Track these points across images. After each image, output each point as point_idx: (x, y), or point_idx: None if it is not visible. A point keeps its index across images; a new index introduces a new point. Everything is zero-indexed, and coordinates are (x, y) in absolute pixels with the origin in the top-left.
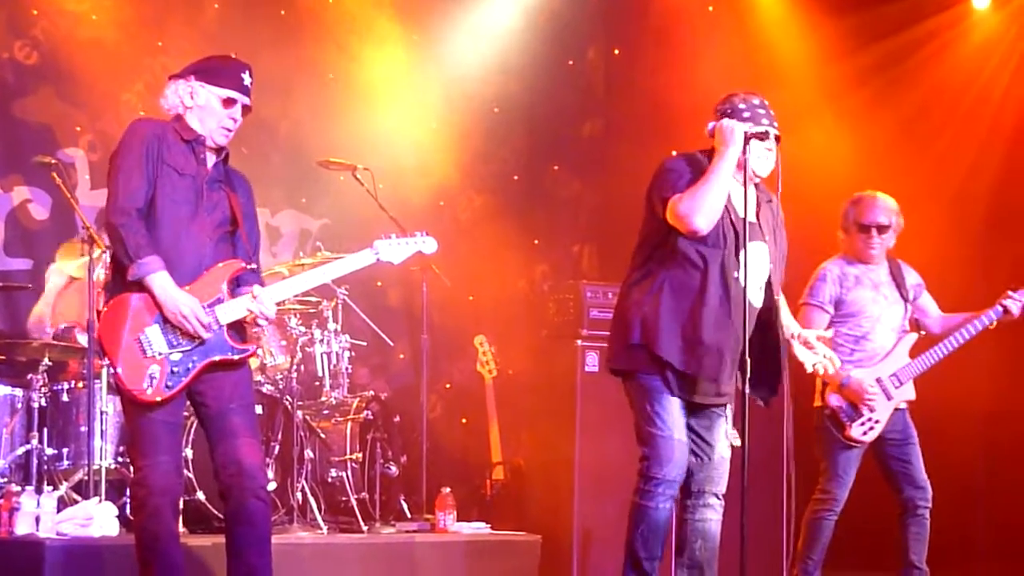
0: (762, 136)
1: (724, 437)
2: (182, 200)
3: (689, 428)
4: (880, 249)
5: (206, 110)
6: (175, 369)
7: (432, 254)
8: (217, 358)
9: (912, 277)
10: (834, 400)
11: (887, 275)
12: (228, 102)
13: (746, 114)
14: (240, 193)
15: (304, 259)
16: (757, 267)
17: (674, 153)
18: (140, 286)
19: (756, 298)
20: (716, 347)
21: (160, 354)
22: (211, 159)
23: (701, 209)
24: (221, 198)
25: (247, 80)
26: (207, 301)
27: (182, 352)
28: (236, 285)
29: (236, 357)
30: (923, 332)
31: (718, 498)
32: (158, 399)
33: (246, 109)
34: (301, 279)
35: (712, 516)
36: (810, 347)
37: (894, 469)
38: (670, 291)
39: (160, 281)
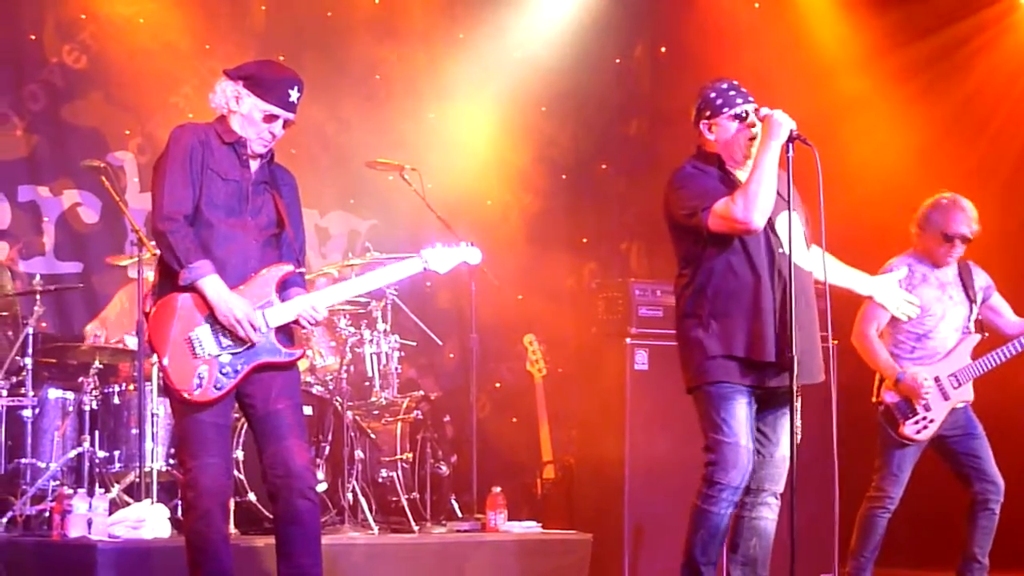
0: (749, 123)
1: (787, 436)
2: (226, 205)
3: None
4: (956, 257)
5: (248, 119)
6: (224, 371)
7: (477, 264)
8: (266, 360)
9: (981, 279)
10: (889, 397)
11: (955, 276)
12: (270, 117)
13: (719, 101)
14: (285, 192)
15: (353, 260)
16: (795, 234)
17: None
18: (188, 287)
19: (804, 263)
20: (783, 321)
21: (210, 355)
22: (255, 161)
23: (758, 207)
24: (266, 200)
25: (294, 96)
26: (257, 304)
27: (232, 354)
28: (283, 288)
29: (285, 360)
30: (986, 334)
31: (776, 497)
32: (204, 400)
33: (289, 123)
34: (349, 285)
35: (769, 515)
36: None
37: (963, 463)
38: (725, 294)
39: (212, 285)
